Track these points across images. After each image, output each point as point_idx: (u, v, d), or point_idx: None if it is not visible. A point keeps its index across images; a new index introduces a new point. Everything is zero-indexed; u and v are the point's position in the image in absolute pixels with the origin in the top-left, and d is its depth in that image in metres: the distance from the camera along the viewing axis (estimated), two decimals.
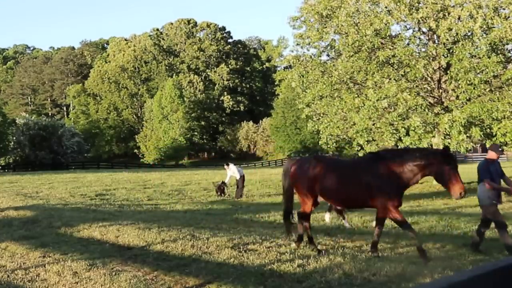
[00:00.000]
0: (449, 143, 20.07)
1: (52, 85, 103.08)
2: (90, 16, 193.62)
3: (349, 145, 39.54)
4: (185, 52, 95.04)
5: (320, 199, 8.42)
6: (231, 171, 19.82)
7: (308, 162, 8.28)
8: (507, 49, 20.52)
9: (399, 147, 21.96)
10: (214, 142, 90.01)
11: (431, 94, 21.95)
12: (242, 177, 19.83)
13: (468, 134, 19.58)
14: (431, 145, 22.23)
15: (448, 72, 20.47)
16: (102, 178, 28.93)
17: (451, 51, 20.20)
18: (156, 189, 22.67)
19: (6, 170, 54.61)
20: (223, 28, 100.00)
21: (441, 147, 20.72)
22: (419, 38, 22.10)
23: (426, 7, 19.78)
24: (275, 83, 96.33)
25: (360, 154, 23.89)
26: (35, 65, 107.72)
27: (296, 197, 8.66)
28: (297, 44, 24.63)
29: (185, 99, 79.90)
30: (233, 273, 6.43)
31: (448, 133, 19.84)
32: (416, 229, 10.53)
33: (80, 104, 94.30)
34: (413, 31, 22.07)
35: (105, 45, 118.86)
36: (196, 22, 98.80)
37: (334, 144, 25.36)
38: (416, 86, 21.27)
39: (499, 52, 19.47)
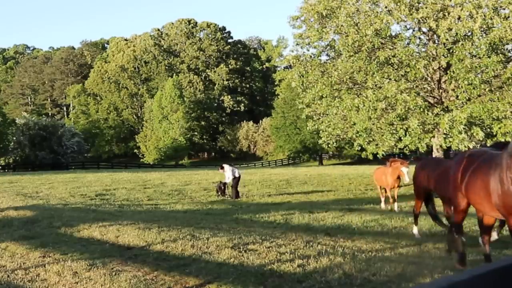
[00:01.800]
0: (450, 143, 20.07)
1: (52, 85, 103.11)
2: (90, 16, 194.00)
3: (349, 145, 39.54)
4: (185, 52, 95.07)
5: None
6: (227, 173, 19.67)
7: (459, 159, 6.76)
8: (507, 49, 20.52)
9: (398, 146, 21.96)
10: (214, 142, 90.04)
11: (431, 94, 21.96)
12: (238, 178, 19.65)
13: (469, 134, 19.58)
14: (432, 146, 22.25)
15: (448, 72, 20.47)
16: (102, 178, 28.92)
17: (451, 51, 20.20)
18: (156, 189, 22.66)
19: (6, 170, 54.64)
20: (223, 28, 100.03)
21: (443, 147, 20.79)
22: (419, 38, 22.11)
23: (426, 7, 19.78)
24: (275, 83, 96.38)
25: (362, 155, 23.88)
26: (35, 65, 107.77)
27: None
28: (297, 44, 24.65)
29: (185, 99, 79.95)
30: (233, 273, 6.42)
31: (448, 133, 19.84)
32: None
33: (80, 104, 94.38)
34: (413, 31, 22.08)
35: (105, 45, 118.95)
36: (196, 22, 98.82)
37: (334, 144, 25.38)
38: (416, 86, 21.28)
39: (499, 52, 19.47)
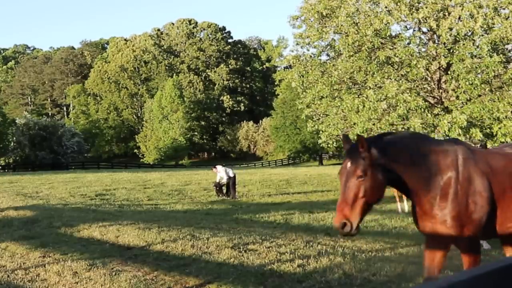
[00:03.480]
0: None
1: (52, 85, 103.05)
2: (90, 16, 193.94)
3: None
4: (185, 52, 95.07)
5: None
6: (220, 173, 19.69)
7: None
8: (507, 49, 20.51)
9: None
10: (214, 142, 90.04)
11: (431, 94, 21.93)
12: (233, 177, 19.68)
13: (468, 135, 19.55)
14: None
15: (449, 72, 20.46)
16: (102, 178, 28.92)
17: (451, 51, 20.19)
18: (156, 189, 22.66)
19: (6, 170, 54.61)
20: (223, 28, 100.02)
21: None
22: (419, 38, 22.08)
23: (426, 7, 19.77)
24: (275, 83, 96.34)
25: None
26: (35, 65, 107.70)
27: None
28: (297, 44, 24.62)
29: (185, 99, 79.96)
30: (233, 273, 6.43)
31: (447, 134, 19.80)
32: (416, 229, 10.55)
33: (80, 104, 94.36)
34: (413, 31, 22.05)
35: (105, 45, 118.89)
36: (196, 22, 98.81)
37: (334, 144, 25.35)
38: (417, 86, 21.25)
39: (499, 52, 19.46)
